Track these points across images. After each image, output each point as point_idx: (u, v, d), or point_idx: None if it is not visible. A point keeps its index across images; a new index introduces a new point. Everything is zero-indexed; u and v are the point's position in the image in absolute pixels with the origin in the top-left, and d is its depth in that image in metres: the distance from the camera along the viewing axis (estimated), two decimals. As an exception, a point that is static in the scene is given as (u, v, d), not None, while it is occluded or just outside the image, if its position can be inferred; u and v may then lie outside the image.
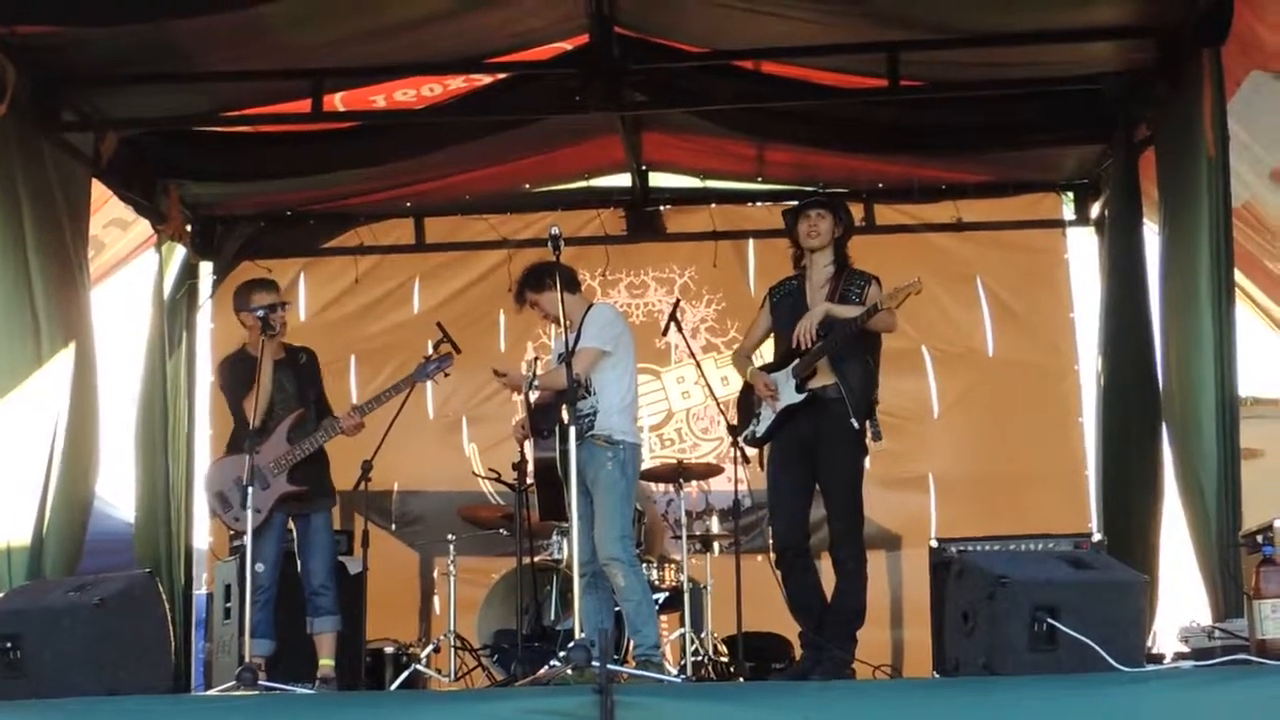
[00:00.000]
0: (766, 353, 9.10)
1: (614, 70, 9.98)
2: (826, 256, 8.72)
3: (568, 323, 8.25)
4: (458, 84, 10.87)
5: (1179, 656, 7.65)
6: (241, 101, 10.62)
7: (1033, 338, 12.15)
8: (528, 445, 8.86)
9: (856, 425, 8.35)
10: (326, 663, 8.82)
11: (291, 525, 9.04)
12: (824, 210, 8.76)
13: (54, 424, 9.28)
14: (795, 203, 9.24)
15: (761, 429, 8.66)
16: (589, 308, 8.67)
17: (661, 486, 11.29)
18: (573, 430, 7.54)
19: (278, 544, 8.90)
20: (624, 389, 8.56)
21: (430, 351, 9.35)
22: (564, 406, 7.91)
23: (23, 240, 9.22)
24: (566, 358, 8.25)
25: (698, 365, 10.68)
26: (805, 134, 11.39)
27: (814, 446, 8.45)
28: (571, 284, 8.66)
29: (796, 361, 8.49)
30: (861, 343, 8.45)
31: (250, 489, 8.14)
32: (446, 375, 9.43)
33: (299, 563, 9.02)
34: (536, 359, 9.29)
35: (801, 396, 8.46)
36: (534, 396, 8.53)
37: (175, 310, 11.66)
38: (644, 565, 9.83)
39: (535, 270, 8.67)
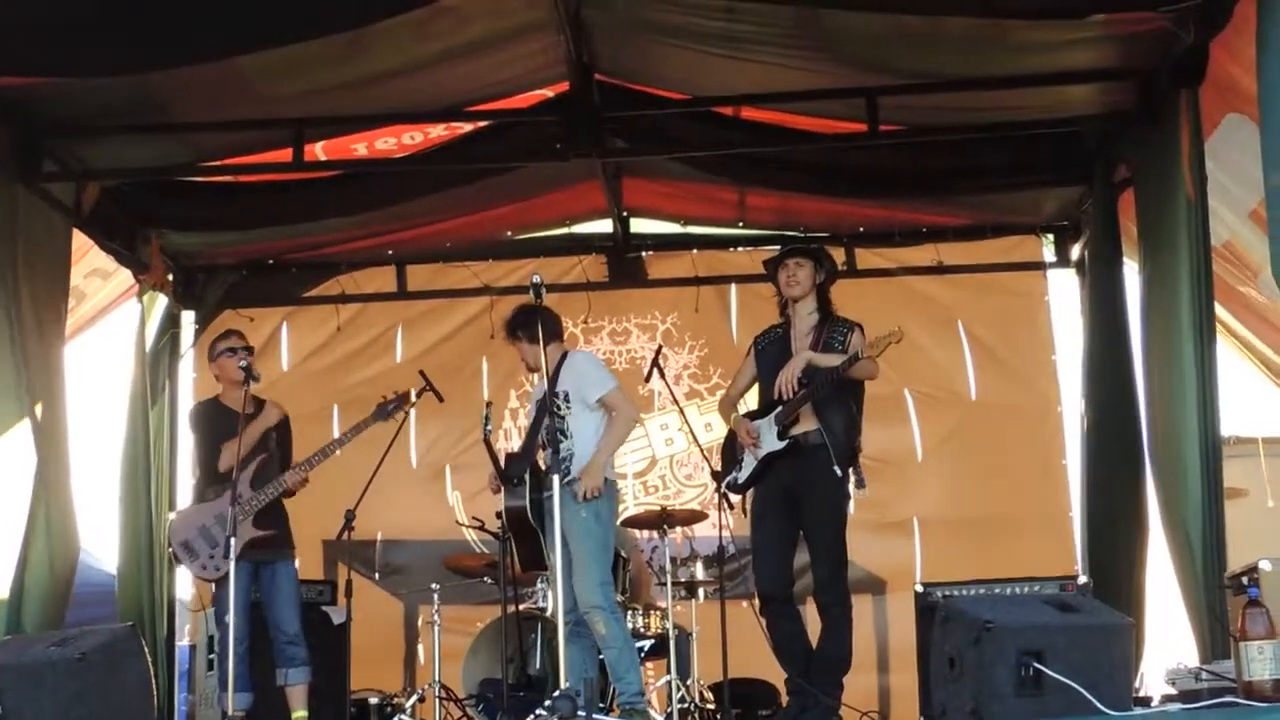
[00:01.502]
0: (752, 399, 9.10)
1: (594, 117, 9.99)
2: (810, 304, 8.74)
3: (546, 372, 8.27)
4: (439, 132, 10.88)
5: (1166, 699, 7.62)
6: (222, 151, 10.61)
7: (1015, 380, 12.16)
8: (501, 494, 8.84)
9: (840, 472, 8.35)
10: (301, 714, 8.79)
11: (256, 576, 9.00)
12: (803, 259, 8.80)
13: (29, 481, 9.24)
14: (776, 248, 9.26)
15: (744, 476, 8.67)
16: (565, 355, 8.68)
17: (645, 533, 11.27)
18: (555, 478, 7.51)
19: (246, 593, 8.83)
20: (601, 434, 8.57)
21: (395, 391, 9.36)
22: (540, 453, 7.93)
23: (15, 291, 9.22)
24: (547, 407, 8.25)
25: (681, 412, 10.66)
26: (786, 179, 11.42)
27: (796, 493, 8.45)
28: (554, 334, 8.68)
29: (779, 409, 8.49)
30: (844, 389, 8.46)
31: (233, 540, 8.13)
32: (406, 414, 9.43)
33: (267, 614, 8.97)
34: (489, 404, 9.24)
35: (783, 444, 8.45)
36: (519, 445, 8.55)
37: (157, 360, 11.62)
38: (629, 612, 9.84)
39: (522, 315, 8.66)
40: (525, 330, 8.55)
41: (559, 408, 8.43)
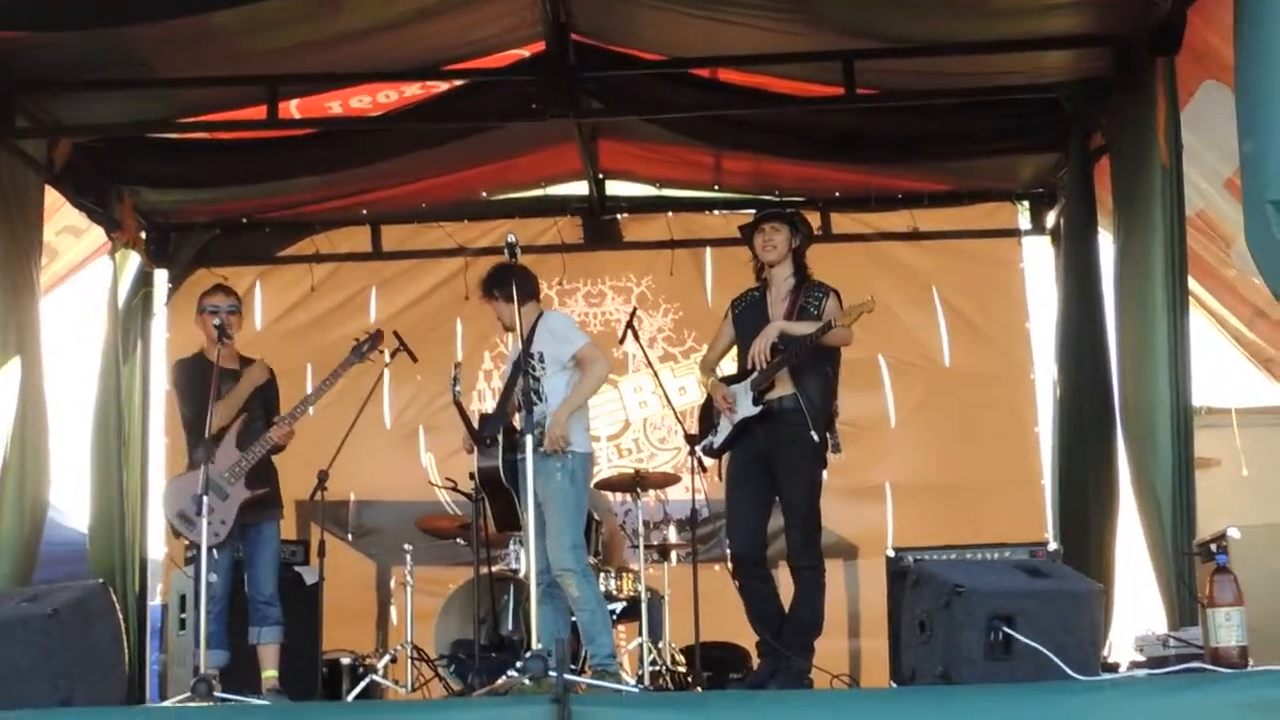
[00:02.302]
0: (730, 363, 9.09)
1: (570, 78, 9.98)
2: (786, 268, 8.72)
3: (520, 333, 8.25)
4: (414, 91, 10.84)
5: (1134, 665, 7.66)
6: (196, 108, 10.56)
7: (989, 347, 12.18)
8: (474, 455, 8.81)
9: (816, 438, 8.35)
10: (271, 674, 8.74)
11: (240, 535, 8.97)
12: (779, 223, 8.77)
13: (3, 434, 9.21)
14: (752, 212, 9.25)
15: (719, 440, 8.67)
16: (539, 315, 8.67)
17: (619, 496, 11.27)
18: (529, 439, 7.49)
19: (232, 554, 8.85)
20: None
21: (366, 332, 9.33)
22: (517, 415, 7.90)
23: None
24: (522, 366, 8.25)
25: (655, 375, 10.69)
26: (762, 142, 11.41)
27: (771, 458, 8.45)
28: (530, 294, 8.65)
29: (755, 374, 8.49)
30: (820, 355, 8.46)
31: (205, 498, 8.08)
32: (382, 353, 9.39)
33: (246, 573, 8.95)
34: (457, 364, 9.21)
35: (758, 409, 8.45)
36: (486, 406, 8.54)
37: (130, 318, 11.56)
38: (601, 575, 9.85)
39: (499, 273, 8.63)
40: (501, 289, 8.50)
41: (534, 368, 8.41)
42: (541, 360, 8.48)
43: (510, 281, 8.11)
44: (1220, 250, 9.70)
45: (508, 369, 8.92)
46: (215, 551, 8.42)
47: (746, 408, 8.49)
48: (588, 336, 8.69)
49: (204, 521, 8.06)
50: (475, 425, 8.74)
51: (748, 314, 8.78)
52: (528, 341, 8.42)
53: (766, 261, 8.72)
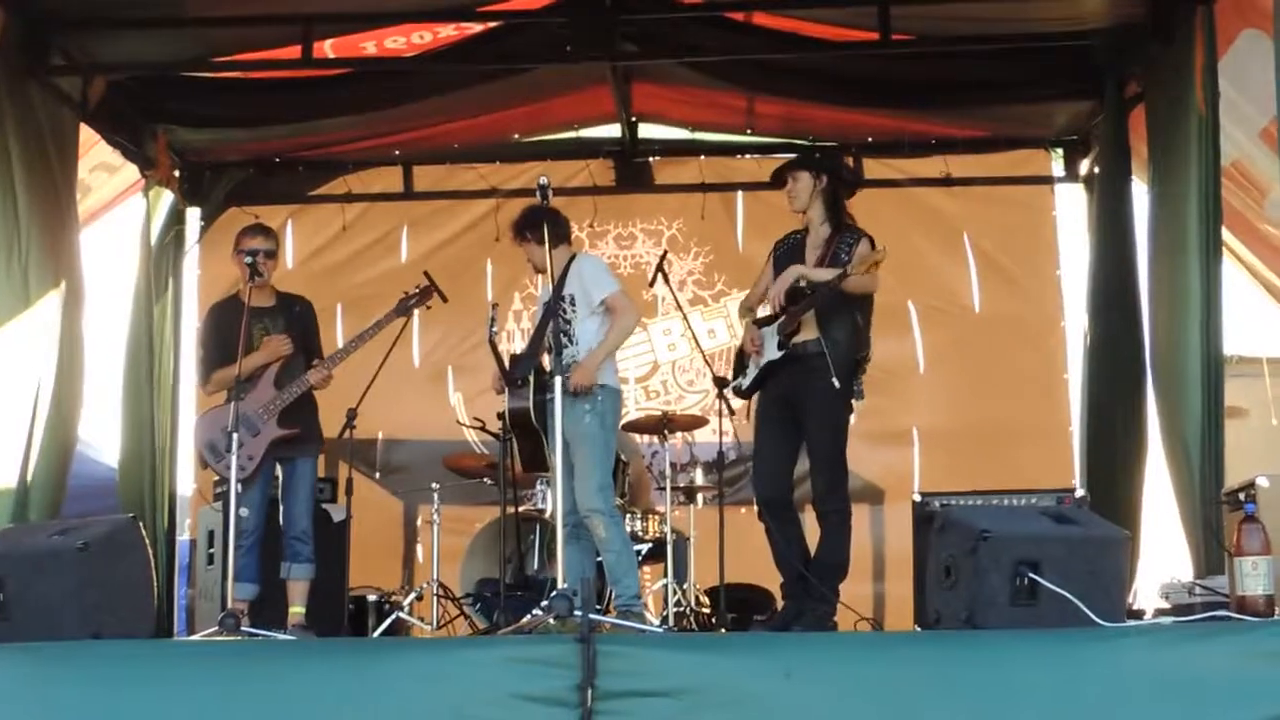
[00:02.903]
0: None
1: (605, 20, 9.95)
2: (819, 213, 8.59)
3: (551, 276, 8.25)
4: (448, 32, 10.82)
5: (1160, 612, 7.68)
6: (231, 47, 10.58)
7: (1020, 294, 12.15)
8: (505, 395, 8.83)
9: (838, 384, 8.28)
10: (299, 610, 8.78)
11: (278, 470, 9.03)
12: (797, 171, 8.64)
13: (40, 366, 9.27)
14: (783, 157, 9.19)
15: (747, 381, 8.65)
16: (571, 258, 8.66)
17: (646, 438, 11.29)
18: (558, 381, 7.51)
19: (264, 489, 8.89)
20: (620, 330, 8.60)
21: (417, 285, 9.36)
22: (545, 356, 7.91)
23: (11, 182, 9.20)
24: (552, 308, 8.26)
25: (684, 318, 10.70)
26: (795, 87, 11.38)
27: (795, 402, 8.42)
28: (562, 237, 8.65)
29: (783, 318, 8.46)
30: (846, 301, 8.38)
31: (235, 435, 8.12)
32: (429, 308, 9.43)
33: (282, 508, 9.01)
34: (495, 306, 9.19)
35: (781, 354, 8.42)
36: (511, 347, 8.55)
37: (162, 256, 11.60)
38: (628, 517, 9.87)
39: (532, 215, 8.61)
40: (534, 231, 8.46)
41: (564, 311, 8.42)
42: (573, 303, 8.48)
43: (542, 224, 8.10)
44: (1254, 201, 9.65)
45: (539, 310, 8.91)
46: (245, 486, 8.46)
47: (771, 351, 8.46)
48: (618, 283, 8.64)
49: (233, 457, 8.11)
50: (507, 366, 8.75)
51: (785, 257, 8.70)
52: (559, 284, 8.43)
53: (794, 210, 8.65)
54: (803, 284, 8.38)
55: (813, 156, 8.94)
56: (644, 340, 12.30)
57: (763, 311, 8.80)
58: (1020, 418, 11.72)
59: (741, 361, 8.81)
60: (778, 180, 8.76)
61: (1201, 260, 8.49)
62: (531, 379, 8.48)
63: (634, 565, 8.59)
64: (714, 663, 5.76)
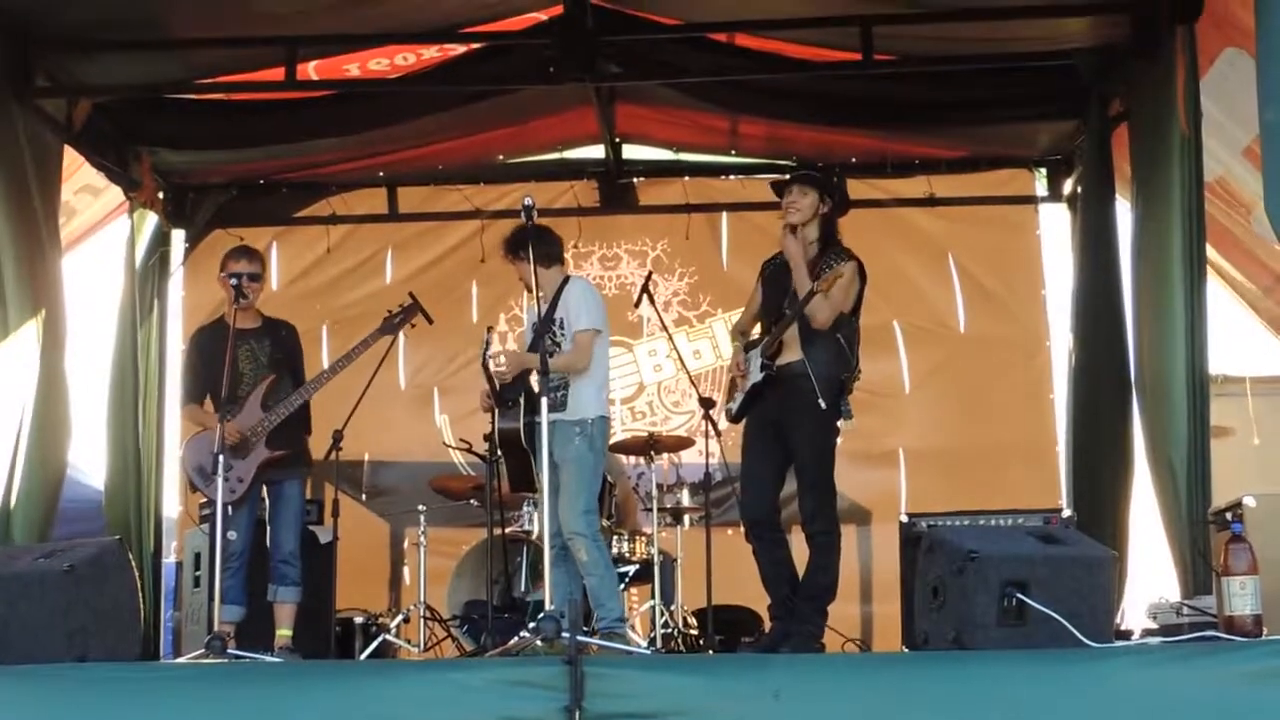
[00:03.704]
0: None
1: (588, 41, 9.94)
2: (812, 232, 8.58)
3: (540, 294, 8.28)
4: (431, 54, 10.84)
5: (1147, 633, 7.69)
6: (215, 69, 10.59)
7: (1004, 314, 12.16)
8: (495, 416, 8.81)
9: (824, 405, 8.26)
10: (285, 633, 8.79)
11: (265, 493, 9.02)
12: (807, 186, 8.58)
13: (22, 394, 9.24)
14: (768, 177, 9.19)
15: (737, 406, 8.63)
16: (566, 280, 8.65)
17: (633, 459, 11.29)
18: (544, 401, 7.50)
19: (252, 512, 8.90)
20: (599, 365, 8.57)
21: (401, 304, 9.36)
22: (533, 377, 7.89)
23: (5, 207, 9.18)
24: (540, 328, 8.26)
25: (669, 338, 10.70)
26: (778, 107, 11.39)
27: (781, 423, 8.41)
28: (553, 256, 8.65)
29: (766, 339, 8.46)
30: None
31: (220, 458, 8.10)
32: (413, 327, 9.43)
33: (269, 530, 9.00)
34: (490, 329, 9.18)
35: (762, 375, 8.40)
36: (494, 367, 8.53)
37: (147, 278, 11.56)
38: (615, 538, 9.88)
39: (526, 233, 8.51)
40: (526, 249, 8.46)
41: (554, 334, 8.42)
42: (561, 326, 8.47)
43: (537, 242, 8.13)
44: (1240, 218, 9.68)
45: (527, 331, 8.88)
46: (233, 509, 8.46)
47: (755, 373, 8.46)
48: (598, 322, 8.53)
49: (219, 479, 8.08)
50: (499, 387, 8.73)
51: (774, 277, 8.70)
52: (552, 305, 8.43)
53: (788, 223, 8.57)
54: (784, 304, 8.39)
55: (829, 179, 8.87)
56: (630, 361, 12.31)
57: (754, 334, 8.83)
58: (1006, 438, 11.73)
59: (734, 384, 8.81)
60: (779, 187, 8.71)
61: (1186, 279, 8.50)
62: (522, 400, 8.46)
63: (616, 588, 8.59)
64: (702, 684, 5.75)
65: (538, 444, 7.97)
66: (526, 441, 8.40)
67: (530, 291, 8.66)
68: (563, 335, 8.46)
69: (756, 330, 8.82)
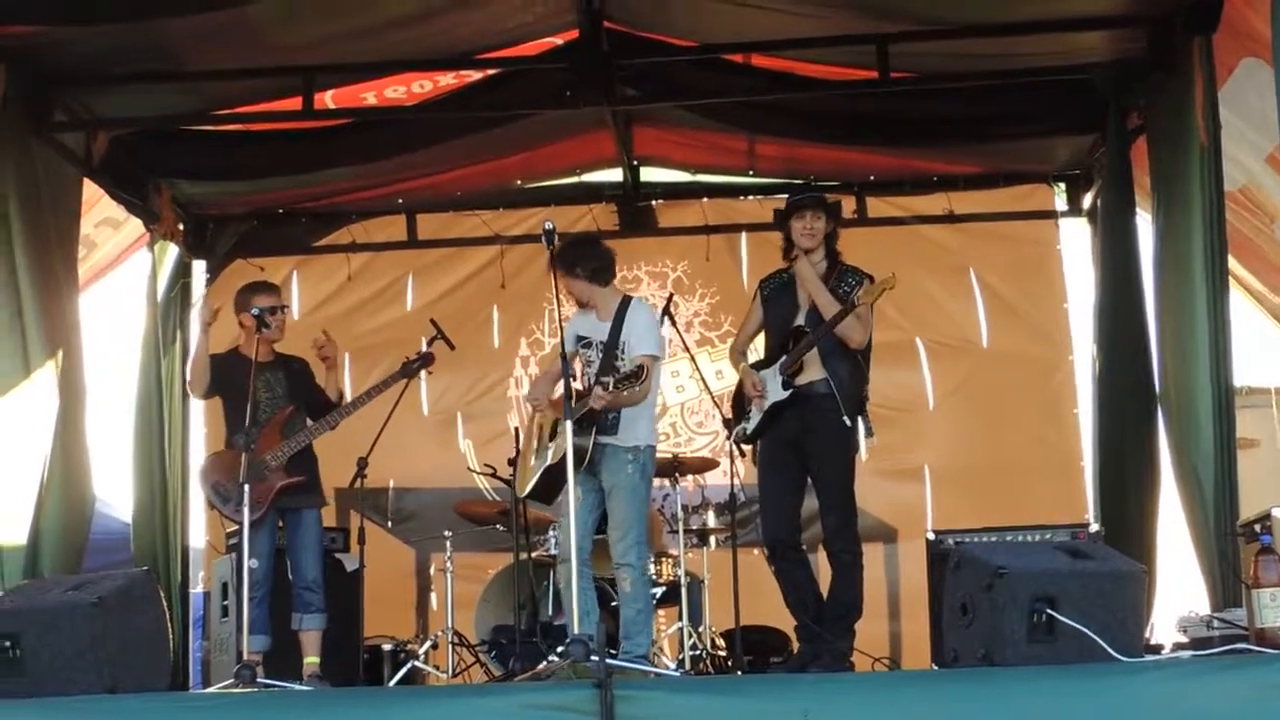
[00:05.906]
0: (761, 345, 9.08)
1: (604, 65, 9.96)
2: (819, 253, 8.65)
3: (594, 311, 8.38)
4: (448, 80, 10.87)
5: (1178, 646, 7.66)
6: (232, 100, 10.63)
7: (1027, 329, 12.15)
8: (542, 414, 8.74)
9: (849, 422, 8.31)
10: (313, 660, 8.80)
11: (281, 522, 9.04)
12: (821, 210, 8.65)
13: (45, 428, 9.26)
14: (785, 197, 9.19)
15: (752, 426, 8.62)
16: (627, 301, 8.59)
17: (657, 481, 11.22)
18: (569, 425, 7.47)
19: (271, 539, 8.91)
20: (653, 391, 8.52)
21: (419, 350, 9.39)
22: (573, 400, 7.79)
23: (9, 242, 9.20)
24: (607, 349, 8.30)
25: (692, 359, 10.73)
26: (796, 127, 11.41)
27: (803, 442, 8.42)
28: (604, 272, 8.57)
29: (783, 358, 8.47)
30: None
31: (247, 486, 8.12)
32: (430, 374, 9.47)
33: (288, 560, 9.01)
34: (575, 353, 8.95)
35: (787, 393, 8.41)
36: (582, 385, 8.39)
37: (169, 309, 11.61)
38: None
39: (581, 250, 8.52)
40: (583, 266, 8.42)
41: (617, 357, 8.36)
42: (624, 351, 8.39)
43: (592, 259, 8.13)
44: (1263, 225, 9.66)
45: (569, 345, 8.50)
46: (252, 529, 8.46)
47: (776, 392, 8.46)
48: (657, 349, 8.49)
49: (245, 511, 8.11)
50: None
51: (776, 295, 8.75)
52: (616, 327, 8.42)
53: (805, 248, 8.61)
54: (803, 324, 8.41)
55: (834, 205, 8.91)
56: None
57: (754, 355, 8.83)
58: (1032, 452, 11.71)
59: (741, 406, 8.80)
60: (788, 214, 8.70)
61: (1208, 291, 8.48)
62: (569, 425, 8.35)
63: (650, 624, 8.56)
64: (731, 705, 5.76)
65: (598, 465, 7.97)
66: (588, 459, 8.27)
67: (583, 307, 8.59)
68: (623, 360, 8.35)
69: (755, 348, 8.85)
